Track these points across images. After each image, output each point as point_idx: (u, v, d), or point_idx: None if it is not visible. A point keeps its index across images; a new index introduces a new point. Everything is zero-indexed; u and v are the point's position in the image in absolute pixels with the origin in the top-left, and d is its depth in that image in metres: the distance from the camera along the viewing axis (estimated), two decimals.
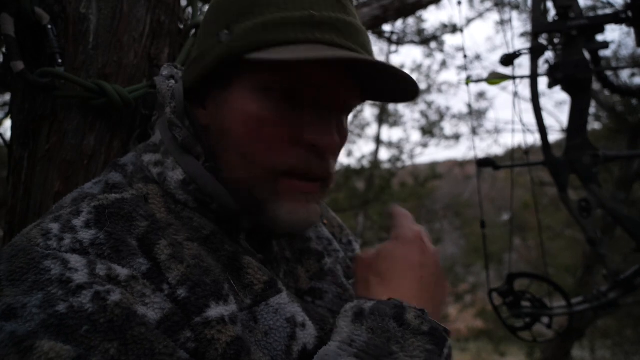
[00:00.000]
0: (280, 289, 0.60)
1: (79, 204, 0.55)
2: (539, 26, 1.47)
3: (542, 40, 1.52)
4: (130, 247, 0.52)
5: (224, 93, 0.60)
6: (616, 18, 1.41)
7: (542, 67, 1.49)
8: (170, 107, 0.63)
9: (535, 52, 1.45)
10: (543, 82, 1.52)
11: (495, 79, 1.45)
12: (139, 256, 0.51)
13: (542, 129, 1.47)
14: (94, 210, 0.54)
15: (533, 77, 1.45)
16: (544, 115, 1.46)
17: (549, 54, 1.49)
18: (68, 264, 0.47)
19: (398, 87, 0.60)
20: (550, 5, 1.51)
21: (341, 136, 0.62)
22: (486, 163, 1.49)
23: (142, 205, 0.57)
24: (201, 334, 0.50)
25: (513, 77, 1.46)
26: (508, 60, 1.45)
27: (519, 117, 1.76)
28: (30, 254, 0.47)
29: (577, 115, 1.45)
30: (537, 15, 1.48)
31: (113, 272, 0.48)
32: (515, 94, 1.54)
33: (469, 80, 1.48)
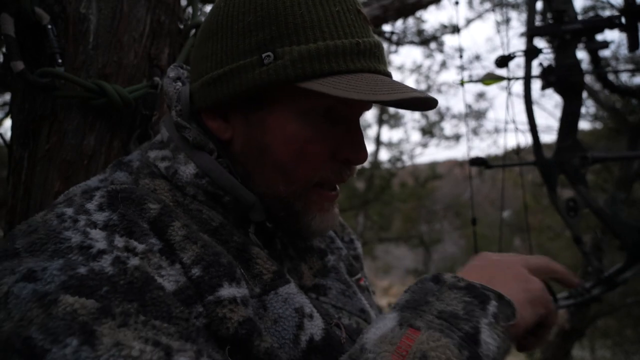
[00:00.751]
0: (288, 279, 0.61)
1: (90, 192, 0.56)
2: (533, 29, 1.48)
3: (540, 42, 1.54)
4: (142, 228, 0.53)
5: (260, 112, 0.61)
6: (610, 23, 1.42)
7: (537, 69, 1.51)
8: (175, 110, 0.64)
9: (529, 54, 1.46)
10: (538, 83, 1.54)
11: (490, 79, 1.46)
12: (152, 237, 0.53)
13: (534, 130, 1.50)
14: (107, 194, 0.55)
15: (526, 79, 1.47)
16: (542, 115, 1.48)
17: (544, 56, 1.50)
18: (88, 235, 0.49)
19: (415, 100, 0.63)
20: (548, 7, 1.52)
21: None
22: (479, 162, 1.51)
23: (152, 194, 0.59)
24: (213, 312, 0.50)
25: (507, 79, 1.48)
26: (503, 61, 1.46)
27: (512, 118, 1.78)
28: (49, 227, 0.49)
29: (569, 117, 1.48)
30: (532, 17, 1.50)
31: (130, 244, 0.50)
32: (509, 94, 1.55)
33: (463, 81, 1.49)
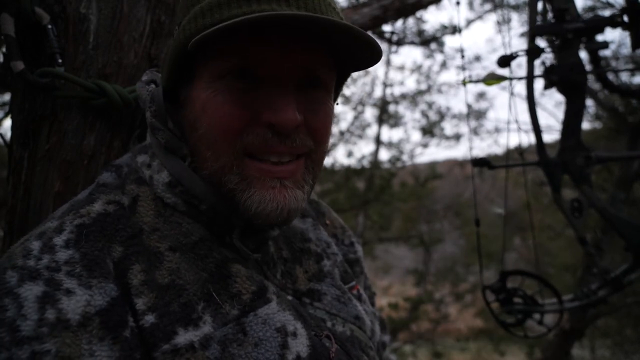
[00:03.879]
0: (269, 298, 0.60)
1: (64, 217, 0.57)
2: (535, 28, 1.47)
3: (541, 41, 1.53)
4: (104, 269, 0.53)
5: (189, 89, 0.60)
6: (612, 22, 1.41)
7: (539, 68, 1.50)
8: (150, 111, 0.63)
9: (531, 54, 1.45)
10: (541, 82, 1.53)
11: (492, 79, 1.45)
12: (111, 281, 0.53)
13: (537, 130, 1.49)
14: (76, 229, 0.55)
15: (529, 79, 1.46)
16: (542, 115, 1.47)
17: (546, 56, 1.49)
18: (22, 309, 0.49)
19: (365, 52, 0.57)
20: (549, 6, 1.52)
21: (311, 111, 0.59)
22: (481, 163, 1.50)
23: (124, 221, 0.58)
24: None
25: (510, 78, 1.47)
26: (505, 61, 1.45)
27: (514, 118, 1.77)
28: None
29: (572, 117, 1.47)
30: (534, 17, 1.49)
31: (63, 315, 0.49)
32: (512, 95, 1.54)
33: (465, 81, 1.49)
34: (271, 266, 0.67)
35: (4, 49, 0.86)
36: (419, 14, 5.27)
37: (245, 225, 0.62)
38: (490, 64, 7.85)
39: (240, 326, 0.56)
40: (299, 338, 0.58)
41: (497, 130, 7.70)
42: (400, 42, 5.47)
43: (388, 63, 7.48)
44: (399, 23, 5.39)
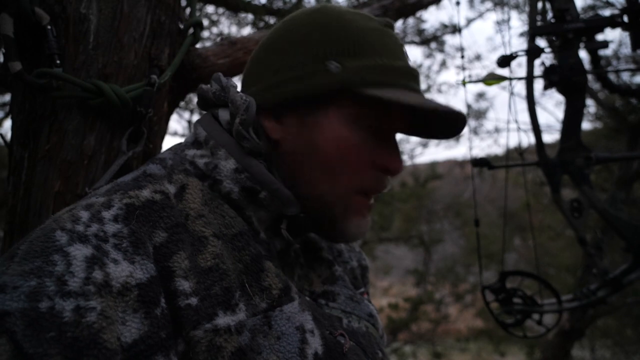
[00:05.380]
0: (292, 297, 0.63)
1: (111, 195, 0.58)
2: (535, 28, 1.47)
3: (541, 41, 1.53)
4: (146, 249, 0.55)
5: (316, 115, 0.65)
6: (612, 22, 1.41)
7: (539, 68, 1.50)
8: (240, 119, 0.66)
9: (531, 54, 1.45)
10: (541, 82, 1.53)
11: (492, 79, 1.45)
12: (150, 261, 0.54)
13: (537, 130, 1.49)
14: (125, 207, 0.57)
15: (529, 79, 1.46)
16: (542, 115, 1.47)
17: (546, 56, 1.49)
18: (70, 266, 0.50)
19: (444, 123, 0.70)
20: (548, 6, 1.52)
21: None
22: (481, 163, 1.50)
23: (168, 210, 0.59)
24: (212, 340, 0.53)
25: (510, 79, 1.47)
26: (505, 61, 1.45)
27: (514, 118, 1.78)
28: (47, 242, 0.51)
29: (572, 117, 1.47)
30: (534, 17, 1.50)
31: (109, 280, 0.50)
32: (512, 95, 1.54)
33: (465, 81, 1.49)
34: (289, 270, 0.70)
35: (3, 49, 0.86)
36: (419, 13, 5.27)
37: (293, 217, 0.68)
38: (490, 63, 7.85)
39: (267, 319, 0.59)
40: (315, 337, 0.62)
41: (497, 130, 7.70)
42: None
43: None
44: (399, 23, 5.39)
